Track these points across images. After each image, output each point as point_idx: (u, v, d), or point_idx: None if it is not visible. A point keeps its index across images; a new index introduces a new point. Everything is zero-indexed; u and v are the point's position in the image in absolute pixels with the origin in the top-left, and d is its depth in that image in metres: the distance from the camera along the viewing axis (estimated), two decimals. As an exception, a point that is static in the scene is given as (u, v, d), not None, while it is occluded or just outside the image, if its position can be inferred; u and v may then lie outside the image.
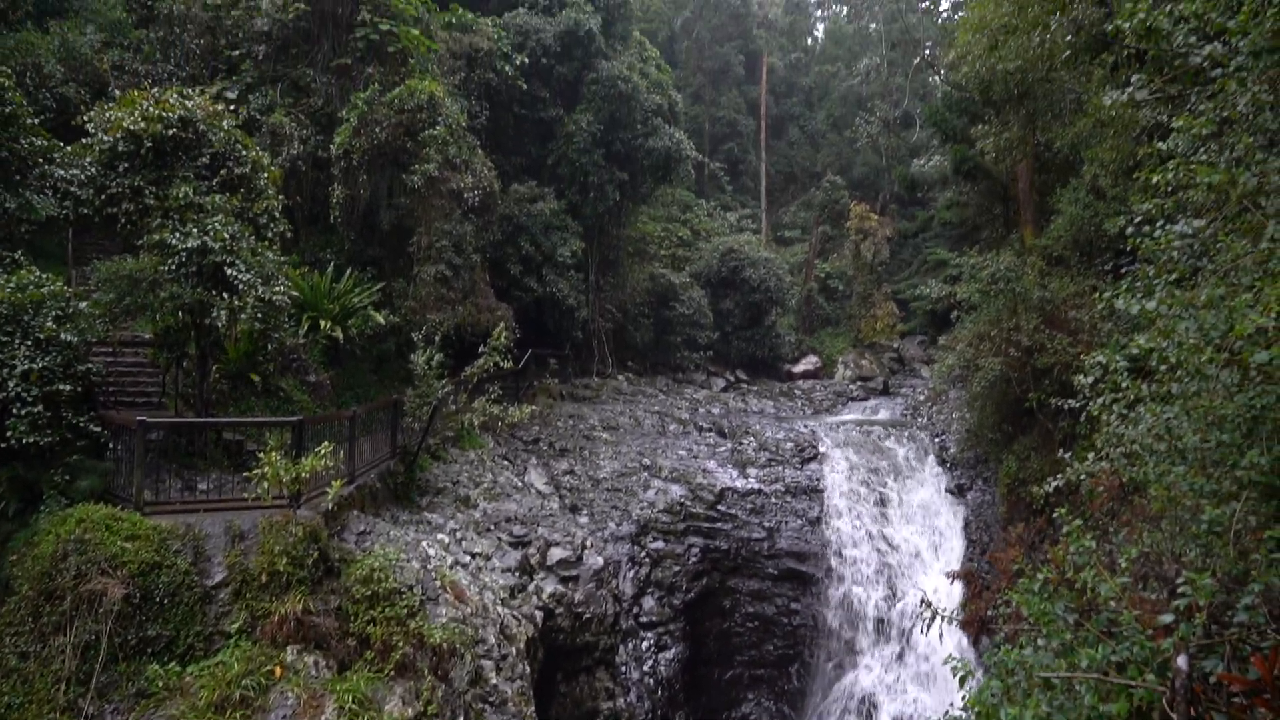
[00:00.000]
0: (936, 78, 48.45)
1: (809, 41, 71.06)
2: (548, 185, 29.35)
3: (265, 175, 14.60)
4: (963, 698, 5.65)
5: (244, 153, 14.27)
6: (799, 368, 41.52)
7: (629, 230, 35.39)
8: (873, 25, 61.56)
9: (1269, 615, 4.54)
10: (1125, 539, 6.93)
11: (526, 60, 27.99)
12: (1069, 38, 15.08)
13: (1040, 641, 5.45)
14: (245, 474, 11.91)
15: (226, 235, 12.89)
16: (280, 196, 15.08)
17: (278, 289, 13.48)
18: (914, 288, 40.42)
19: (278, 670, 9.88)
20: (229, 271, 12.91)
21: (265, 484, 11.16)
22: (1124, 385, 7.60)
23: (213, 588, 10.42)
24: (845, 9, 72.27)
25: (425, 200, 19.91)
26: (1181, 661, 3.05)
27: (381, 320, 19.26)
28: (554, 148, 30.11)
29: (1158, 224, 7.50)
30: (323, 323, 18.02)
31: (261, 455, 11.44)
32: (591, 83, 29.93)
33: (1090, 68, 16.35)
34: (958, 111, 28.76)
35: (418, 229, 20.26)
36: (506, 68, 27.09)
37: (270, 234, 14.30)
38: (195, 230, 12.71)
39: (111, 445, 12.21)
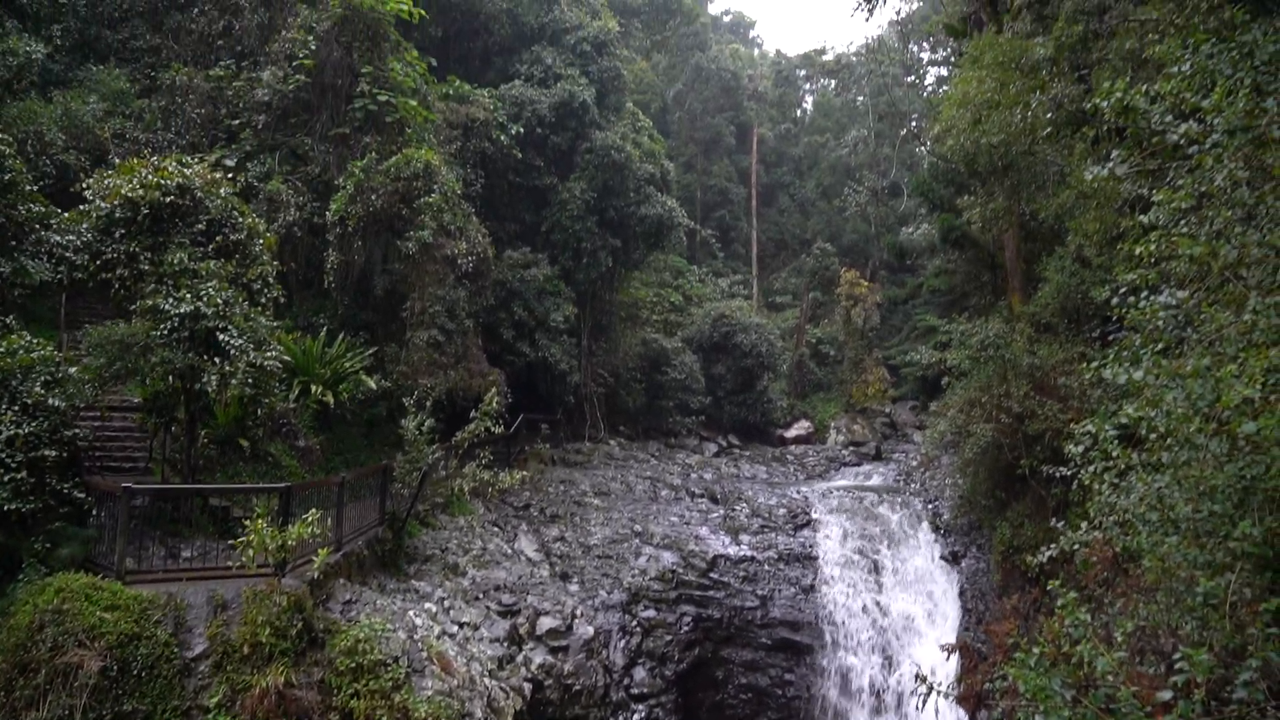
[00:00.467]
0: (923, 149, 49.57)
1: (798, 113, 72.83)
2: (541, 251, 29.66)
3: (261, 241, 14.75)
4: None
5: (240, 219, 14.43)
6: (791, 432, 41.45)
7: (621, 295, 35.69)
8: (860, 98, 63.18)
9: (1268, 691, 4.47)
10: (1121, 611, 6.85)
11: (522, 130, 28.57)
12: (1049, 114, 15.48)
13: (1038, 718, 5.34)
14: (230, 542, 11.74)
15: (220, 300, 12.95)
16: (275, 262, 15.22)
17: (269, 354, 13.49)
18: (904, 353, 40.64)
19: (257, 747, 9.58)
20: (221, 337, 12.93)
21: (250, 552, 10.99)
22: (1114, 454, 7.61)
23: (193, 660, 10.18)
24: (833, 82, 74.23)
25: (419, 266, 20.08)
26: (1180, 743, 2.99)
27: (373, 385, 19.24)
28: (548, 214, 30.54)
29: (1142, 294, 7.61)
30: (314, 387, 17.98)
31: (248, 522, 11.30)
32: (585, 152, 30.52)
33: (1072, 142, 16.76)
34: (944, 182, 29.35)
35: (411, 294, 20.38)
36: (502, 137, 27.63)
37: (264, 299, 14.38)
38: (189, 295, 12.77)
39: (95, 512, 12.05)
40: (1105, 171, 7.68)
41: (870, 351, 45.05)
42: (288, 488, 12.43)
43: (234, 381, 12.91)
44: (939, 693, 6.98)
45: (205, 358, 12.97)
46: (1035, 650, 5.65)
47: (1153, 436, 6.71)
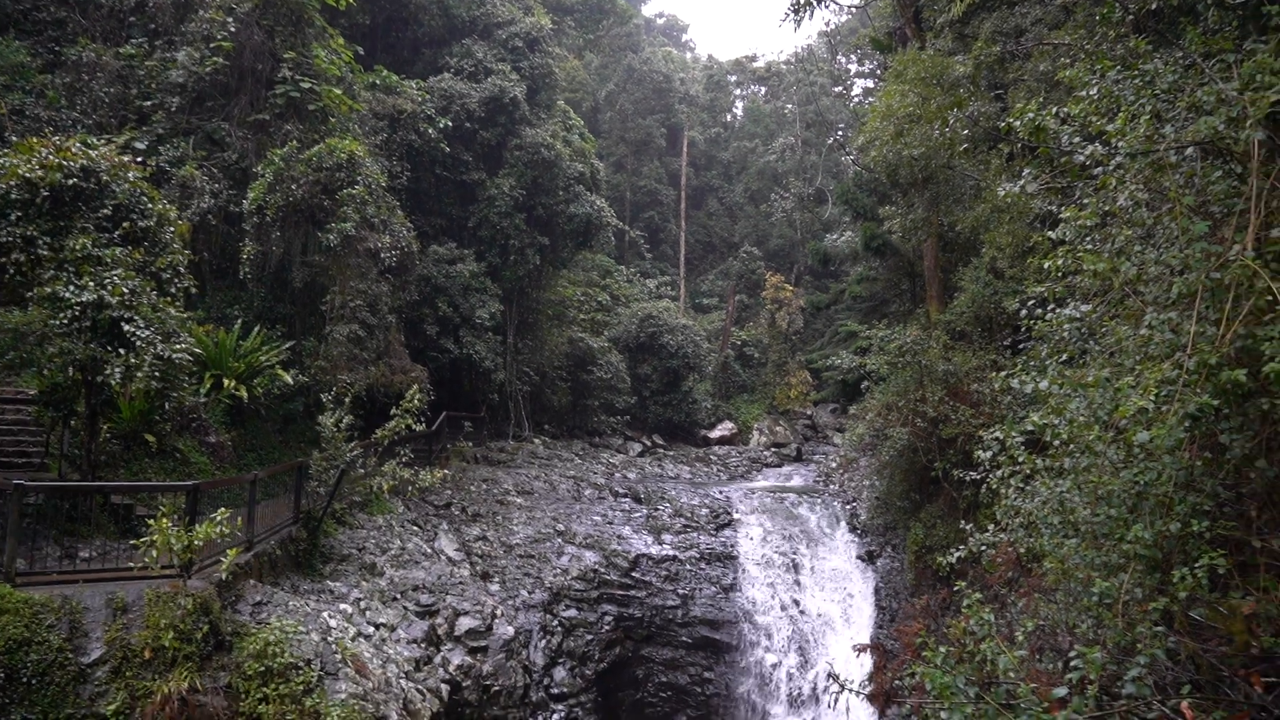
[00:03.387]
0: (848, 159, 50.68)
1: (728, 118, 73.64)
2: (468, 247, 29.28)
3: (172, 229, 14.14)
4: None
5: (150, 205, 13.81)
6: (715, 433, 41.90)
7: (548, 294, 35.50)
8: (789, 106, 64.30)
9: (1154, 686, 4.70)
10: (1023, 610, 7.13)
11: (450, 124, 28.14)
12: (967, 130, 16.03)
13: (943, 715, 5.52)
14: (133, 542, 11.23)
15: (125, 289, 12.38)
16: (187, 251, 14.59)
17: (179, 346, 12.95)
18: (826, 358, 41.41)
19: (157, 755, 9.21)
20: (126, 327, 12.36)
21: (154, 552, 10.55)
22: (1020, 459, 7.92)
23: (89, 665, 9.71)
24: (763, 89, 75.43)
25: (341, 259, 19.57)
26: (1072, 738, 3.13)
27: (289, 380, 18.68)
28: (475, 210, 30.16)
29: (1049, 306, 7.94)
30: (226, 381, 17.37)
31: (152, 521, 10.83)
32: (515, 148, 30.25)
33: (988, 158, 17.39)
34: (867, 191, 30.12)
35: (331, 287, 19.85)
36: (430, 130, 27.17)
37: (174, 289, 13.79)
38: (91, 284, 12.17)
39: (-16, 509, 11.38)
40: (1017, 188, 7.98)
41: (793, 355, 45.88)
42: (195, 485, 11.97)
43: (140, 374, 12.35)
44: (850, 691, 7.16)
45: (109, 349, 12.37)
46: (942, 649, 5.84)
47: (1056, 443, 7.01)
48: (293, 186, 19.21)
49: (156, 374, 12.50)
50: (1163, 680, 4.90)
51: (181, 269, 14.15)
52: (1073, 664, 4.99)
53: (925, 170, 18.13)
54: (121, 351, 12.35)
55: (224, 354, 17.85)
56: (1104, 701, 4.85)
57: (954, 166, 18.07)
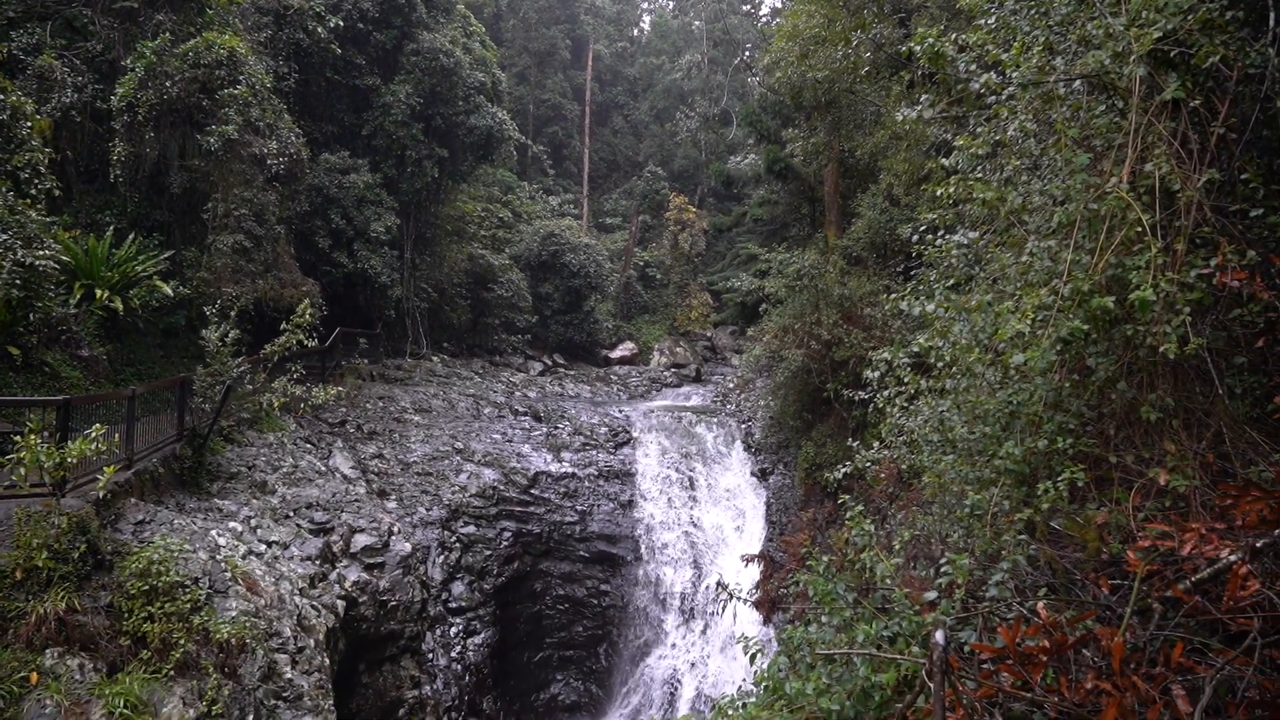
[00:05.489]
0: (754, 80, 50.43)
1: (635, 32, 71.97)
2: (362, 157, 27.99)
3: (29, 125, 12.99)
4: (754, 673, 5.96)
5: (1, 97, 12.61)
6: (616, 354, 42.16)
7: (448, 209, 34.48)
8: (696, 22, 63.16)
9: (1015, 590, 5.08)
10: (901, 522, 7.54)
11: (342, 23, 26.50)
12: (870, 54, 16.13)
13: (824, 619, 5.84)
14: (-2, 459, 10.60)
15: (-21, 188, 11.38)
16: (48, 150, 13.45)
17: (41, 252, 12.06)
18: (727, 280, 41.99)
19: (33, 677, 8.88)
20: (-19, 230, 11.42)
21: (22, 470, 9.96)
22: (906, 380, 8.26)
23: (-47, 587, 9.21)
24: (671, 3, 73.72)
25: (223, 164, 18.42)
26: (939, 636, 3.35)
27: (169, 291, 17.67)
28: (370, 118, 28.76)
29: (939, 233, 8.19)
30: (99, 292, 16.30)
31: (19, 438, 10.20)
32: (411, 53, 28.82)
33: (889, 84, 17.59)
34: (772, 114, 30.10)
35: (214, 194, 18.71)
36: (319, 29, 25.52)
37: (34, 190, 12.76)
38: (-61, 180, 11.13)
39: None
40: (915, 114, 8.10)
41: (695, 277, 46.24)
42: (66, 400, 11.29)
43: (-2, 282, 11.48)
44: (737, 598, 7.49)
45: (-38, 253, 11.43)
46: (825, 558, 6.15)
47: (940, 365, 7.32)
48: (167, 84, 17.84)
49: (17, 282, 11.64)
50: (1022, 584, 5.28)
51: (42, 169, 13.08)
52: (943, 570, 5.34)
53: (829, 94, 18.24)
54: (-24, 257, 11.42)
55: (95, 263, 16.68)
56: (969, 604, 5.21)
57: (856, 91, 18.23)
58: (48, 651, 9.15)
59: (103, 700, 9.04)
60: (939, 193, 7.63)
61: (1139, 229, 5.02)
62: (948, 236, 7.94)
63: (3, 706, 8.53)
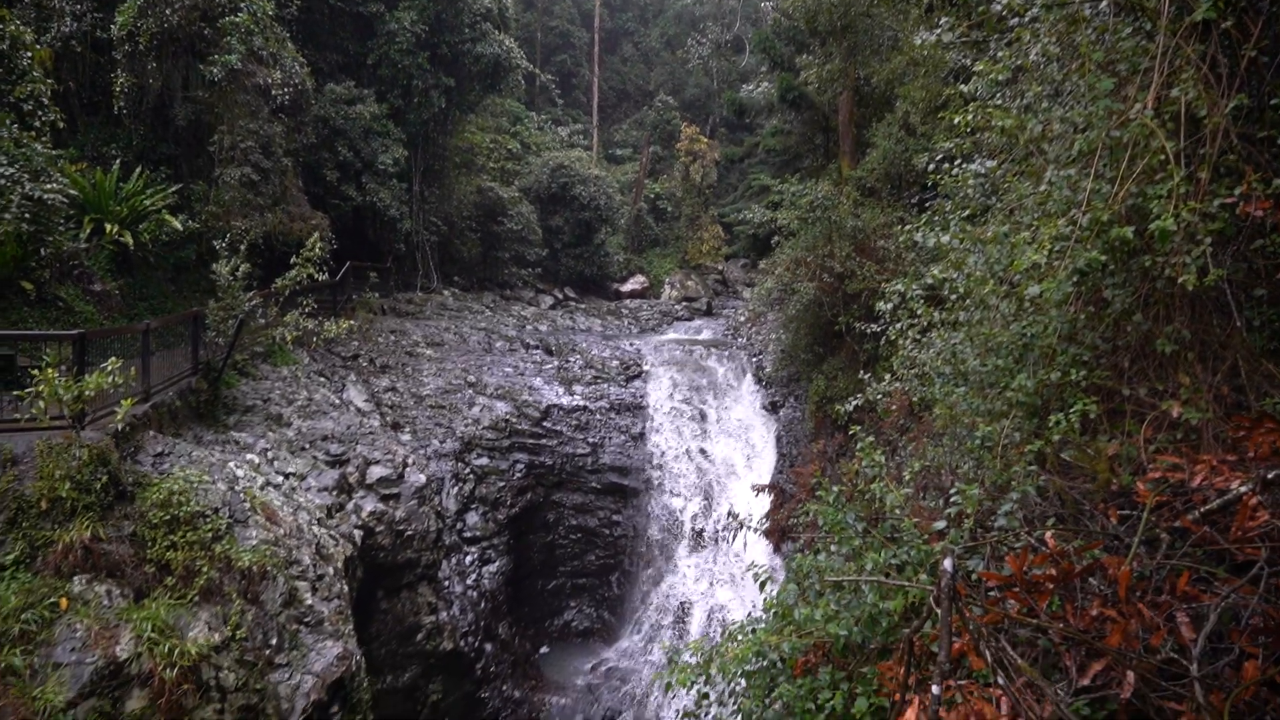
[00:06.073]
0: (768, 3, 49.02)
1: (646, -46, 69.70)
2: (368, 87, 27.50)
3: (30, 55, 12.79)
4: (764, 600, 6.08)
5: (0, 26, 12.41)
6: (627, 287, 42.02)
7: (456, 140, 33.99)
8: (709, -57, 61.11)
9: (1023, 520, 5.13)
10: (911, 453, 7.58)
11: (344, -54, 25.80)
12: (889, -26, 15.61)
13: (833, 548, 5.93)
14: (16, 393, 10.72)
15: (-16, 121, 11.28)
16: (50, 81, 13.27)
17: (49, 186, 12.00)
18: (739, 212, 41.41)
19: (63, 602, 9.16)
20: (-12, 163, 11.35)
21: (41, 403, 10.10)
22: (919, 312, 8.21)
23: (-19, 517, 9.43)
24: (682, -77, 71.24)
25: (227, 95, 18.16)
26: (947, 564, 3.39)
27: (178, 225, 17.62)
28: (374, 46, 28.16)
29: (956, 162, 8.04)
30: (108, 226, 16.27)
31: (36, 372, 10.31)
32: (416, -23, 28.08)
33: (907, 7, 17.04)
34: (785, 40, 29.32)
35: (219, 126, 18.50)
36: (321, -48, 24.87)
37: (38, 122, 12.64)
38: (-57, 113, 11.03)
39: None
40: (934, 37, 7.89)
41: (706, 209, 45.70)
42: (82, 334, 11.37)
43: (7, 216, 11.45)
44: (748, 528, 7.60)
45: (-30, 187, 11.39)
46: (835, 489, 6.22)
47: (953, 297, 7.28)
48: (167, 11, 17.48)
49: (27, 215, 11.62)
50: (1031, 514, 5.33)
51: (45, 100, 12.93)
52: (953, 500, 5.39)
53: (844, 18, 17.72)
54: (-16, 190, 11.39)
55: (103, 196, 16.62)
56: (978, 533, 5.27)
57: (873, 15, 17.71)
58: (75, 578, 9.42)
59: (131, 624, 9.33)
60: (956, 120, 7.46)
61: (1162, 157, 4.90)
62: (964, 166, 7.80)
63: (36, 630, 8.81)
